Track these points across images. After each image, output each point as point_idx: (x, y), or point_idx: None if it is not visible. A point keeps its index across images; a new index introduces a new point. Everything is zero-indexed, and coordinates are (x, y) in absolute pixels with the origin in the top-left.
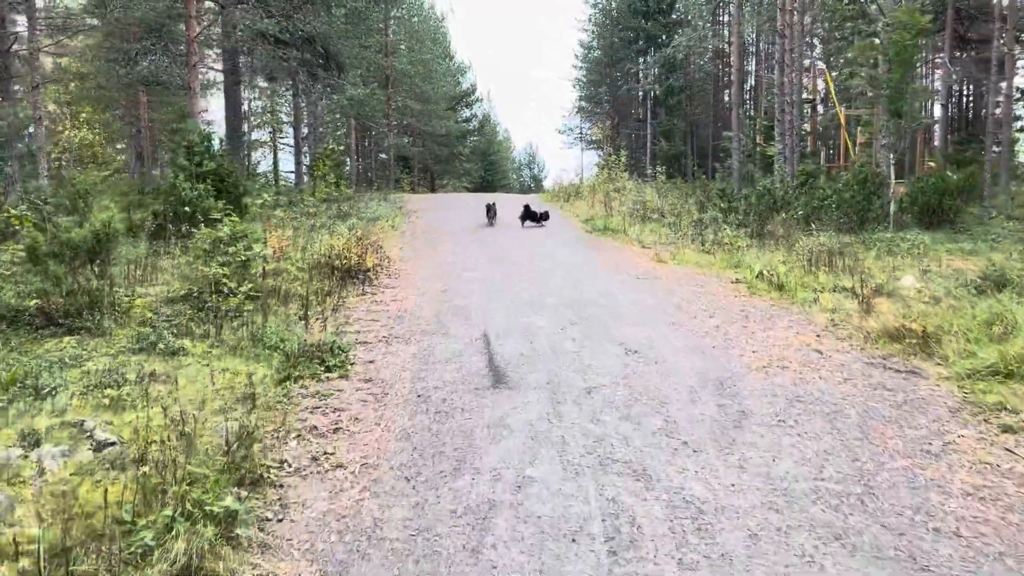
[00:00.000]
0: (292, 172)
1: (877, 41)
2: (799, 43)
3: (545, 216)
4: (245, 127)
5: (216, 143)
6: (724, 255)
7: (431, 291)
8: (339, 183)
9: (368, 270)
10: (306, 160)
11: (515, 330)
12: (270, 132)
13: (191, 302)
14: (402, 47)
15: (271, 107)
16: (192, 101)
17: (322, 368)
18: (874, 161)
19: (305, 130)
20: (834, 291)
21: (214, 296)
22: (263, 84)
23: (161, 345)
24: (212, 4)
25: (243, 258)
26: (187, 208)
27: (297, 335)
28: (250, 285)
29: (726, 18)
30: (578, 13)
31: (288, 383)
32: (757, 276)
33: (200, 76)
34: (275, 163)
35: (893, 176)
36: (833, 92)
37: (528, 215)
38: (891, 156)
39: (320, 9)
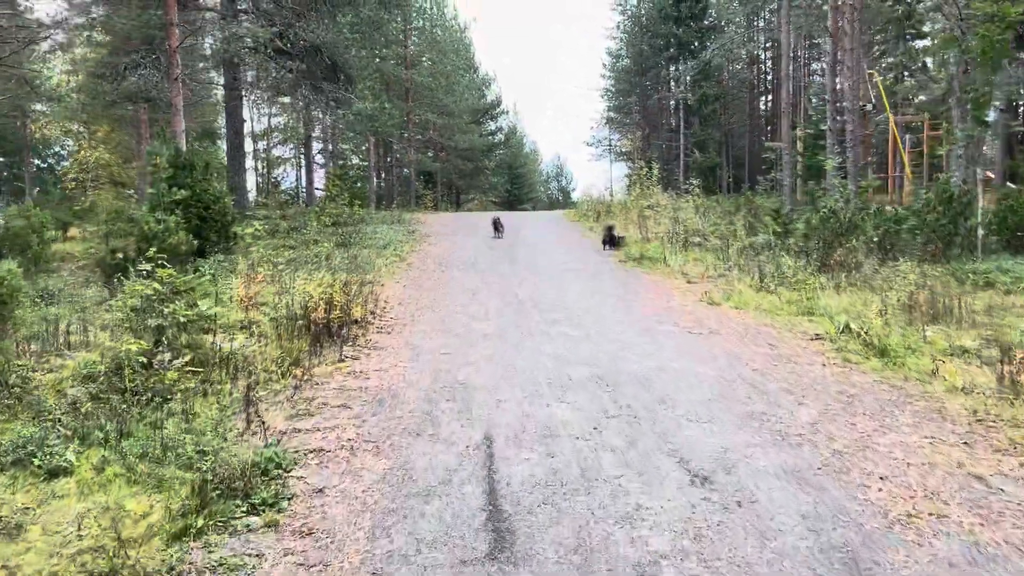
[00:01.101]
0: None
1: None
2: (857, 43)
3: (621, 240)
4: (264, 144)
5: (201, 166)
6: (789, 295)
7: (428, 353)
8: (353, 203)
9: (356, 322)
10: (320, 178)
11: (531, 429)
12: (292, 148)
13: (111, 380)
14: (424, 60)
15: (292, 123)
16: (175, 119)
17: (245, 508)
18: (962, 175)
19: (318, 146)
20: (952, 354)
21: (131, 375)
22: (285, 99)
23: (38, 459)
24: (210, 13)
25: (183, 319)
26: (151, 244)
27: (225, 441)
28: (188, 356)
29: (761, 23)
30: (604, 21)
31: (187, 538)
32: (843, 330)
33: (207, 92)
34: (297, 181)
35: (982, 193)
36: (885, 98)
37: (610, 239)
38: (978, 170)
39: (325, 17)
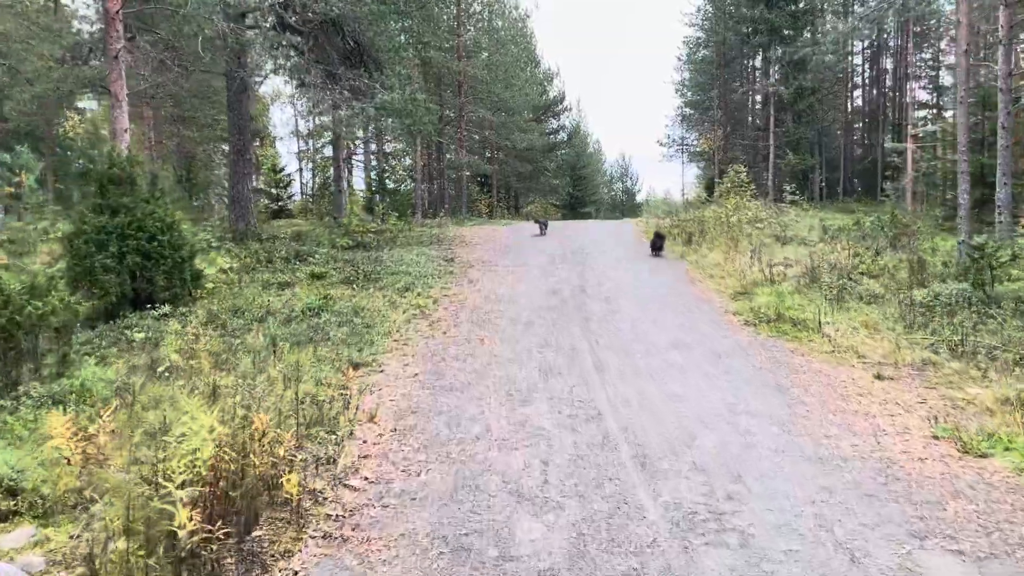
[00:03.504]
0: (363, 193)
1: None
2: None
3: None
4: (309, 144)
5: (147, 180)
6: None
7: None
8: (388, 215)
9: (288, 502)
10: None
11: None
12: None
13: None
14: (483, 52)
15: (319, 119)
16: (114, 112)
17: None
18: None
19: (361, 146)
20: None
21: None
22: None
23: None
24: None
25: None
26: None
27: None
28: None
29: (858, 7)
30: (680, 5)
31: None
32: None
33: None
34: (352, 187)
35: None
36: None
37: (656, 245)
38: None
39: None
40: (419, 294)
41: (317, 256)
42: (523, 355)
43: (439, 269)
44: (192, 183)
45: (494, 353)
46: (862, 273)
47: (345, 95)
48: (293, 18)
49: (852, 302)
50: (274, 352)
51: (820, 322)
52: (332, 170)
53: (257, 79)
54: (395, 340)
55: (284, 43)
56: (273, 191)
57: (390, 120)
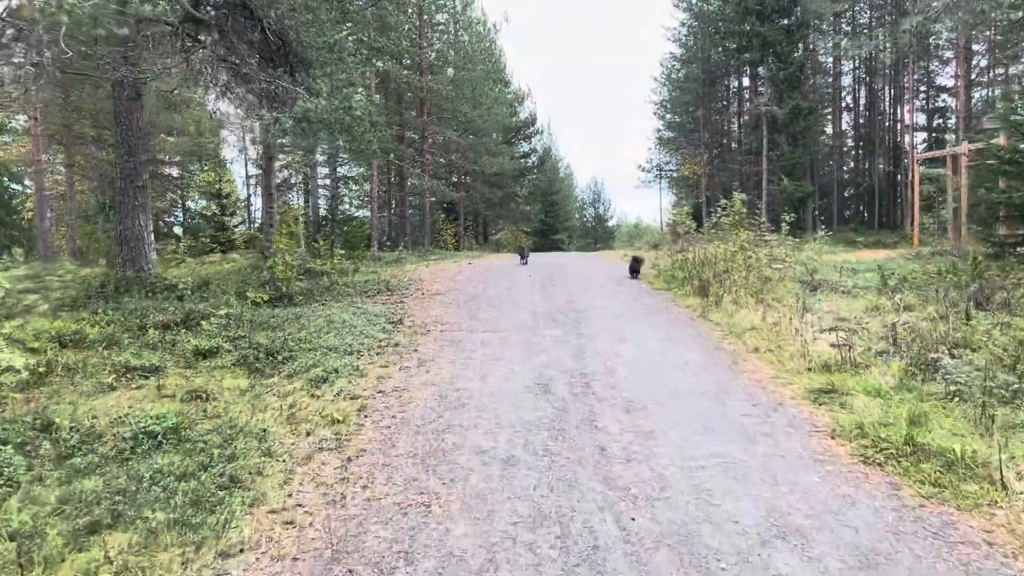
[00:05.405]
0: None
1: None
2: None
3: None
4: (261, 169)
5: None
6: None
7: None
8: (334, 252)
9: None
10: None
11: None
12: (299, 173)
13: None
14: (448, 67)
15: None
16: None
17: None
18: None
19: (310, 170)
20: None
21: None
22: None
23: None
24: None
25: None
26: None
27: None
28: None
29: (846, 26)
30: (662, 20)
31: None
32: None
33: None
34: (308, 217)
35: None
36: None
37: (634, 268)
38: None
39: None
40: (339, 392)
41: (216, 318)
42: (500, 555)
43: (380, 339)
44: (115, 212)
45: (447, 547)
46: (957, 345)
47: (250, 99)
48: (195, 4)
49: (1001, 406)
50: (21, 566)
51: (1000, 466)
52: (275, 197)
53: (162, 84)
54: (271, 512)
55: (177, 29)
56: (219, 219)
57: (317, 136)
